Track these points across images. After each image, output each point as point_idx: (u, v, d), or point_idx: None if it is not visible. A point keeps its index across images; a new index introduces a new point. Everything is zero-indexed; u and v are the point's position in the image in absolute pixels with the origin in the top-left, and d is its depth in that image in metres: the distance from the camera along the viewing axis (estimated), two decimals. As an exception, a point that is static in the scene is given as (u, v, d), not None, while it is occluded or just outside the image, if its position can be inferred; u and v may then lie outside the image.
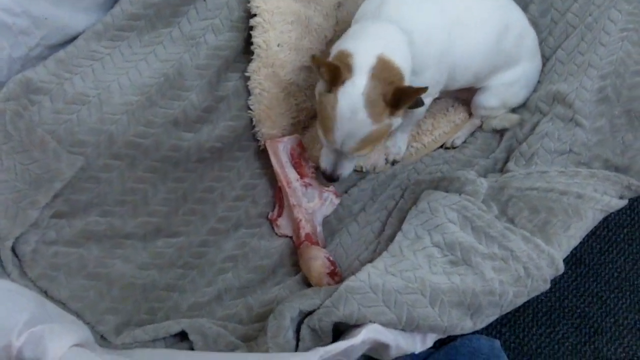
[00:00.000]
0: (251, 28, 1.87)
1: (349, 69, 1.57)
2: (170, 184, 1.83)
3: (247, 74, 1.90)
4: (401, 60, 1.61)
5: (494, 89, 1.97)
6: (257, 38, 1.86)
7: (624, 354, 1.91)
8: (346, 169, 1.77)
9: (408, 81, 1.64)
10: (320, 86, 1.65)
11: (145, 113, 1.74)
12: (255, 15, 1.86)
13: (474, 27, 1.79)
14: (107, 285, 1.69)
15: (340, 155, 1.72)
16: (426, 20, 1.71)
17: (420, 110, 1.88)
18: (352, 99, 1.56)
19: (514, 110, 2.04)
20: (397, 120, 1.66)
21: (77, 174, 1.66)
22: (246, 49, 1.90)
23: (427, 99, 1.82)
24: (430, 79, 1.75)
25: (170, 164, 1.81)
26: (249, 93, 1.92)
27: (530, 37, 1.98)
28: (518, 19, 1.94)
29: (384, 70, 1.58)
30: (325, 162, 1.77)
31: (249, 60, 1.89)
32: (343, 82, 1.57)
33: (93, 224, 1.71)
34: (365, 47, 1.60)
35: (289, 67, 1.89)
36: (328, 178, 1.78)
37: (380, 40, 1.62)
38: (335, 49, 1.67)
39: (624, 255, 2.13)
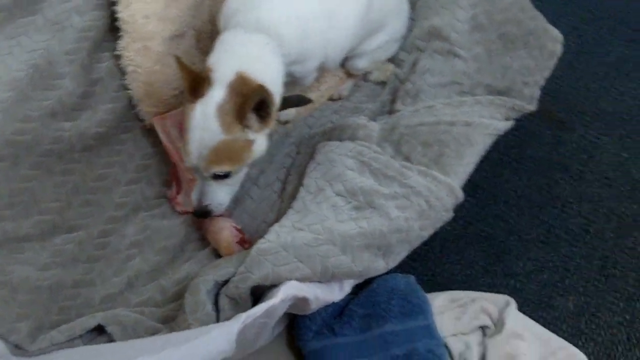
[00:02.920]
0: (114, 3, 1.81)
1: (209, 82, 1.55)
2: (58, 178, 1.76)
3: (117, 53, 1.84)
4: (264, 73, 1.58)
5: (365, 54, 1.99)
6: (122, 13, 1.80)
7: (532, 267, 1.99)
8: (216, 199, 1.65)
9: (277, 87, 1.62)
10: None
11: (20, 108, 1.67)
12: (116, -11, 1.79)
13: (344, 8, 1.77)
14: (11, 292, 1.60)
15: (205, 180, 1.62)
16: (303, 20, 1.68)
17: (308, 82, 1.88)
18: (206, 108, 1.53)
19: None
20: (258, 139, 1.59)
21: (-42, 183, 1.58)
22: (113, 27, 1.84)
23: (310, 77, 1.85)
24: (313, 65, 1.78)
25: (54, 157, 1.75)
26: (123, 72, 1.86)
27: None
28: None
29: (241, 84, 1.54)
30: (193, 195, 1.66)
31: (119, 37, 1.83)
32: (203, 94, 1.54)
33: (-16, 232, 1.63)
34: (227, 63, 1.57)
35: (159, 39, 1.83)
36: (196, 213, 1.67)
37: (242, 56, 1.59)
38: (207, 62, 1.62)
39: (517, 174, 2.20)
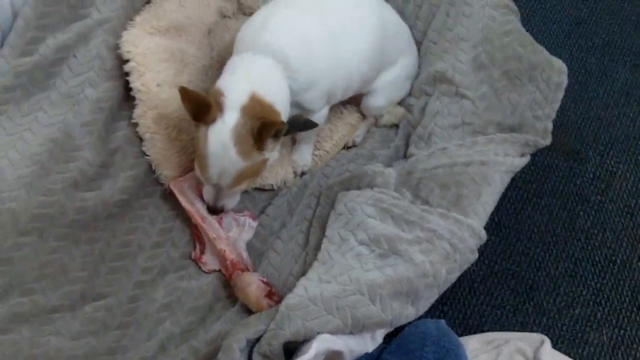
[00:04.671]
0: (127, 74, 1.84)
1: (221, 107, 1.59)
2: (85, 247, 1.77)
3: (133, 121, 1.86)
4: (274, 93, 1.65)
5: (380, 90, 2.01)
6: (135, 82, 1.82)
7: (563, 302, 1.97)
8: (230, 202, 1.79)
9: (285, 109, 1.68)
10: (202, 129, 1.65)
11: (42, 182, 1.68)
12: (128, 60, 1.83)
13: (355, 37, 1.82)
14: (46, 364, 1.62)
15: (220, 189, 1.72)
16: (307, 42, 1.73)
17: (320, 119, 1.90)
18: (222, 136, 1.59)
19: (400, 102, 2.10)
20: (273, 155, 1.69)
21: (-12, 260, 1.59)
22: (128, 95, 1.86)
23: (323, 110, 1.88)
24: (321, 93, 1.80)
25: (79, 227, 1.76)
26: (141, 139, 1.88)
27: (404, 32, 2.03)
28: (391, 17, 1.98)
29: (254, 107, 1.60)
30: (207, 195, 1.77)
31: (134, 106, 1.86)
32: (214, 120, 1.59)
33: (17, 306, 1.64)
34: (238, 85, 1.62)
35: (173, 105, 1.85)
36: (211, 211, 1.79)
37: (251, 77, 1.64)
38: (214, 86, 1.68)
39: (538, 209, 2.19)
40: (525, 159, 1.84)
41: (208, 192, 1.77)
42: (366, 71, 1.91)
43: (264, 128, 1.57)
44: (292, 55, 1.69)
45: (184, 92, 1.57)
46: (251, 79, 1.64)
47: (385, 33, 1.90)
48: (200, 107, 1.58)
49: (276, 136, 1.64)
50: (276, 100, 1.65)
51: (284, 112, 1.68)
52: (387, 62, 1.96)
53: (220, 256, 1.82)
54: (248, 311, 1.74)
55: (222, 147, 1.59)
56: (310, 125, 1.80)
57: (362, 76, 1.91)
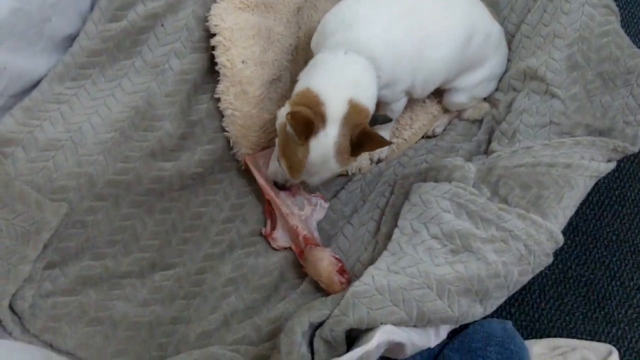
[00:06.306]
0: (213, 48, 1.84)
1: (322, 118, 1.57)
2: (158, 216, 1.80)
3: (216, 96, 1.87)
4: (369, 97, 1.64)
5: (463, 89, 1.97)
6: (221, 57, 1.83)
7: (635, 315, 1.92)
8: (296, 183, 1.81)
9: (373, 108, 1.66)
10: (283, 110, 1.65)
11: (121, 149, 1.71)
12: (215, 34, 1.83)
13: (440, 45, 1.78)
14: (111, 328, 1.66)
15: None
16: (394, 43, 1.69)
17: (398, 108, 1.89)
18: (325, 148, 1.59)
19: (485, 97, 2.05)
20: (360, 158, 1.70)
21: (62, 221, 1.63)
22: (212, 69, 1.87)
23: (402, 101, 1.87)
24: (400, 90, 1.80)
25: (154, 196, 1.78)
26: (222, 114, 1.88)
27: (494, 33, 1.96)
28: (482, 20, 1.91)
29: (353, 115, 1.59)
30: (274, 171, 1.77)
31: (217, 80, 1.86)
32: (316, 133, 1.58)
33: (87, 268, 1.68)
34: (335, 91, 1.60)
35: (257, 83, 1.85)
36: (276, 185, 1.81)
37: (349, 81, 1.62)
38: (301, 85, 1.65)
39: (619, 218, 2.13)
40: (612, 165, 1.78)
41: (276, 169, 1.75)
42: (447, 75, 1.88)
43: (364, 138, 1.58)
44: (381, 54, 1.66)
45: (296, 117, 1.53)
46: (349, 83, 1.62)
47: (472, 42, 1.85)
48: (309, 127, 1.57)
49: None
50: (370, 103, 1.63)
51: (371, 111, 1.66)
52: (471, 64, 1.91)
53: (292, 232, 1.82)
54: (313, 294, 1.75)
55: (323, 158, 1.60)
56: (386, 120, 1.78)
57: (443, 78, 1.88)
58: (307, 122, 1.55)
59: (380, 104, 1.77)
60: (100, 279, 1.69)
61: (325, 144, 1.58)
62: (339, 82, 1.62)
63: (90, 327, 1.64)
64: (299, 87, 1.65)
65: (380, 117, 1.74)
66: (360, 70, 1.63)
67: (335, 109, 1.58)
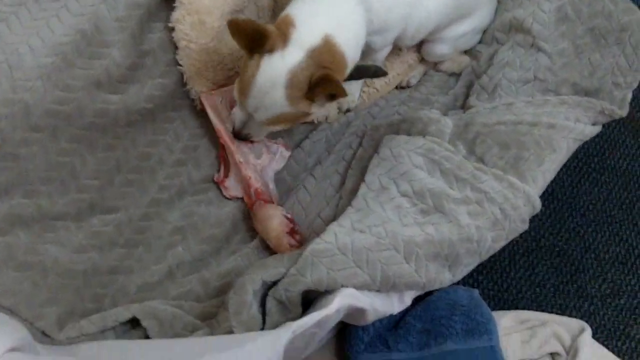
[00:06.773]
0: (170, -30, 1.69)
1: (284, 39, 1.45)
2: (100, 154, 1.66)
3: (170, 24, 1.72)
4: (349, 40, 1.52)
5: (447, 39, 1.86)
6: (177, -19, 1.68)
7: (609, 290, 1.87)
8: (257, 134, 1.69)
9: (355, 56, 1.56)
10: None
11: (62, 76, 1.56)
12: (172, -46, 1.68)
13: None
14: (41, 274, 1.52)
15: (252, 118, 1.60)
16: None
17: (382, 56, 1.79)
18: (275, 72, 1.45)
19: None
20: (319, 111, 1.60)
21: (-9, 153, 1.49)
22: (169, -5, 1.73)
23: (386, 48, 1.78)
24: (391, 37, 1.71)
25: (97, 131, 1.64)
26: (176, 46, 1.74)
27: None
28: None
29: (324, 52, 1.46)
30: (235, 118, 1.65)
31: (173, 7, 1.71)
32: (272, 50, 1.44)
33: (17, 207, 1.53)
34: (312, 20, 1.48)
35: (217, 13, 1.69)
36: (235, 134, 1.69)
37: (332, 18, 1.50)
38: (284, 13, 1.52)
39: (597, 186, 2.07)
40: (597, 129, 1.70)
41: (238, 116, 1.64)
42: (439, 23, 1.78)
43: (324, 82, 1.44)
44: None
45: (235, 26, 1.41)
46: (330, 17, 1.50)
47: None
48: (256, 38, 1.43)
49: (332, 97, 1.51)
50: (349, 49, 1.51)
51: (353, 60, 1.55)
52: (461, 15, 1.81)
53: (245, 182, 1.71)
54: (267, 249, 1.66)
55: (271, 83, 1.46)
56: (380, 73, 1.69)
57: (434, 27, 1.78)
58: (250, 31, 1.42)
59: (364, 52, 1.65)
60: (32, 220, 1.55)
61: (278, 66, 1.45)
62: (320, 14, 1.50)
63: (18, 272, 1.50)
64: (281, 15, 1.52)
65: (372, 67, 1.65)
66: (349, 9, 1.52)
67: (303, 36, 1.45)
